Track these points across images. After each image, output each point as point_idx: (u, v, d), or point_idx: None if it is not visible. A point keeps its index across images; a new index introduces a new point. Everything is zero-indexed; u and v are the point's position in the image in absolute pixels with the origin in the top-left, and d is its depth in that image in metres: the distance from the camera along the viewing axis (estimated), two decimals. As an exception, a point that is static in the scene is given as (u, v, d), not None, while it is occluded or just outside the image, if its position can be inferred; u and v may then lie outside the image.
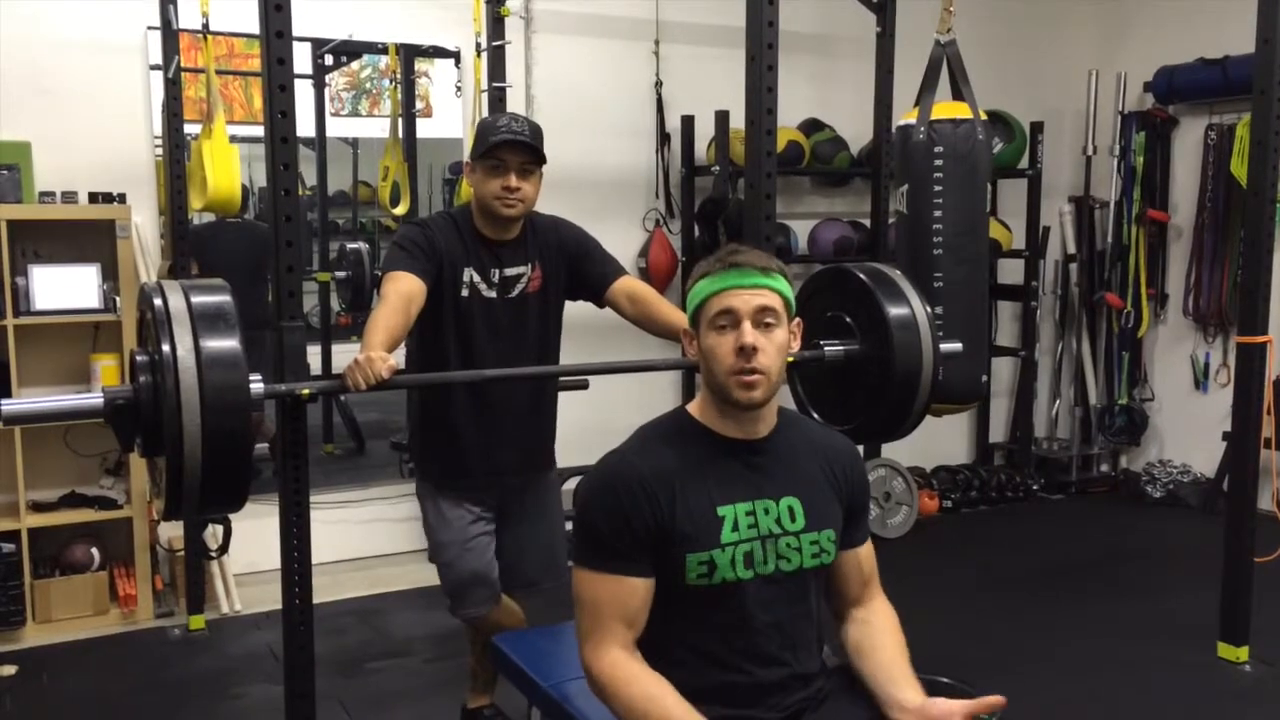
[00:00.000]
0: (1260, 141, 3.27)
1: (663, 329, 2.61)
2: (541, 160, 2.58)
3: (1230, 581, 3.40)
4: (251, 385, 1.93)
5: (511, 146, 2.51)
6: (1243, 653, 3.41)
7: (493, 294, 2.59)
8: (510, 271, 2.62)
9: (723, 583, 1.72)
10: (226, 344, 1.88)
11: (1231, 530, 3.41)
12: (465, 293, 2.56)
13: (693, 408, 1.86)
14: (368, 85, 6.42)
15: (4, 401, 1.87)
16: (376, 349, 2.16)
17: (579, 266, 2.71)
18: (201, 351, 1.85)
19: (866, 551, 1.92)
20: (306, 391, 2.11)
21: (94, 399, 1.94)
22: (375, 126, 5.16)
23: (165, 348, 1.84)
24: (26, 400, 1.95)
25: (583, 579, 1.74)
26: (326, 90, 5.49)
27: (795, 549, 1.78)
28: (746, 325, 1.74)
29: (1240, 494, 3.43)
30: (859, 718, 1.79)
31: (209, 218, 4.24)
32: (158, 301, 1.90)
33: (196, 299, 1.92)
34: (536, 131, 2.58)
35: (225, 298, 1.95)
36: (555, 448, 2.84)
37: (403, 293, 2.38)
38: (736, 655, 1.75)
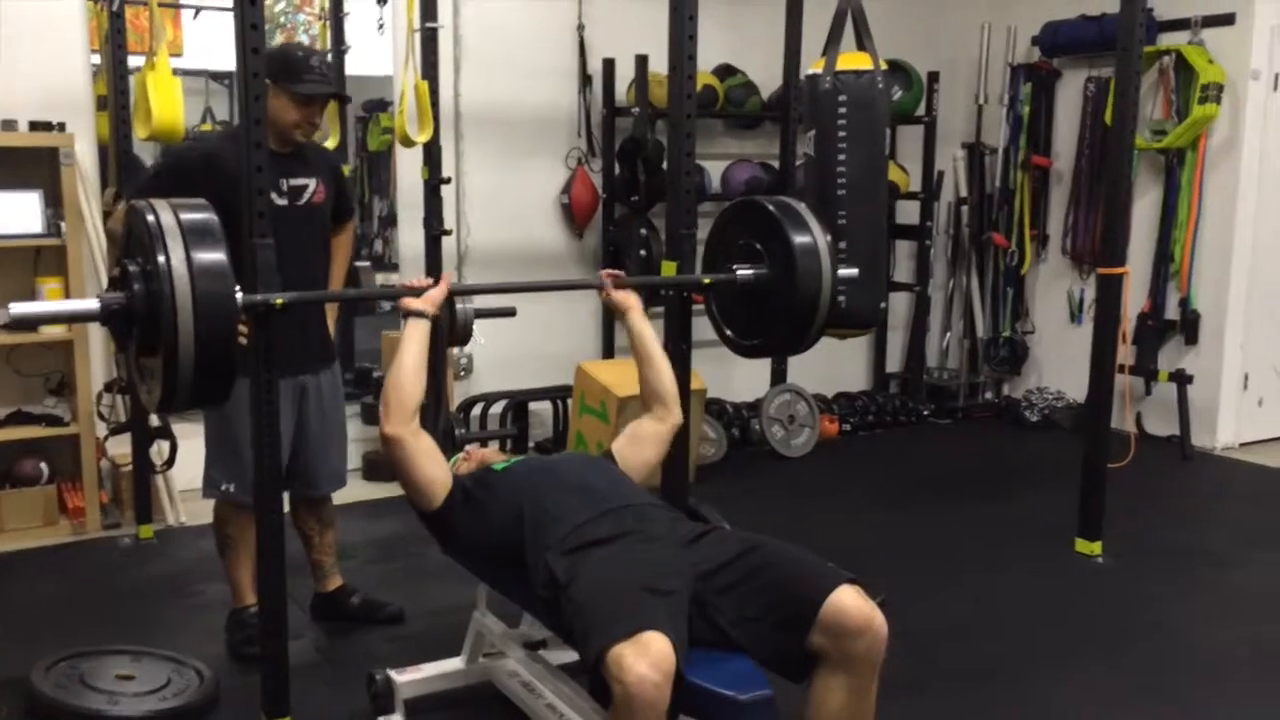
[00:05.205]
0: (1122, 92, 3.66)
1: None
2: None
3: (1086, 484, 3.86)
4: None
5: (325, 93, 2.94)
6: (1096, 547, 3.87)
7: (283, 202, 2.92)
8: (296, 181, 2.98)
9: None
10: (215, 256, 2.12)
11: (1088, 437, 3.87)
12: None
13: None
14: (281, 19, 6.48)
15: (12, 305, 2.09)
16: None
17: (337, 193, 3.16)
18: (193, 262, 2.09)
19: None
20: (280, 301, 2.36)
21: (90, 304, 2.17)
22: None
23: (160, 259, 2.07)
24: (31, 304, 2.15)
25: None
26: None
27: None
28: None
29: (1096, 404, 3.85)
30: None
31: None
32: (150, 218, 2.12)
33: (185, 216, 2.15)
34: (336, 71, 2.98)
35: (211, 215, 2.18)
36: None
37: None
38: None
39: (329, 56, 4.95)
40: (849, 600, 2.04)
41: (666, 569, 2.13)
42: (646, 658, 1.82)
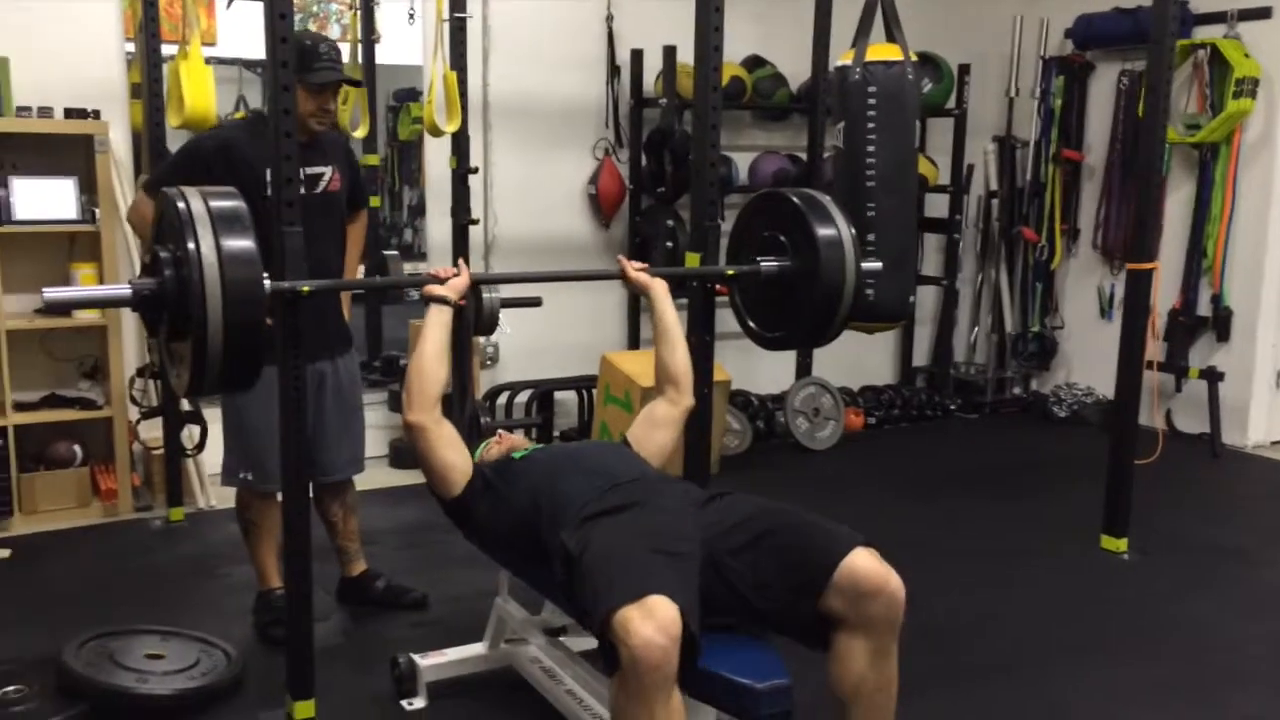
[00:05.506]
0: (1154, 86, 3.63)
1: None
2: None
3: (1113, 481, 3.83)
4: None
5: (337, 79, 2.97)
6: (1122, 544, 3.85)
7: (300, 190, 2.93)
8: (311, 170, 2.98)
9: None
10: (244, 243, 2.15)
11: (1116, 433, 3.84)
12: (270, 192, 2.77)
13: None
14: (314, 8, 6.53)
15: (46, 290, 2.12)
16: None
17: (352, 181, 3.19)
18: (222, 249, 2.12)
19: None
20: (306, 288, 2.38)
21: (122, 290, 2.20)
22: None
23: (190, 246, 2.10)
24: (65, 289, 2.20)
25: None
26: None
27: None
28: None
29: (1124, 400, 3.82)
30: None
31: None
32: (181, 205, 2.15)
33: (214, 204, 2.18)
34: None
35: (239, 203, 2.21)
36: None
37: None
38: None
39: (341, 45, 5.00)
40: (863, 562, 2.04)
41: (677, 533, 2.13)
42: (653, 620, 1.82)
